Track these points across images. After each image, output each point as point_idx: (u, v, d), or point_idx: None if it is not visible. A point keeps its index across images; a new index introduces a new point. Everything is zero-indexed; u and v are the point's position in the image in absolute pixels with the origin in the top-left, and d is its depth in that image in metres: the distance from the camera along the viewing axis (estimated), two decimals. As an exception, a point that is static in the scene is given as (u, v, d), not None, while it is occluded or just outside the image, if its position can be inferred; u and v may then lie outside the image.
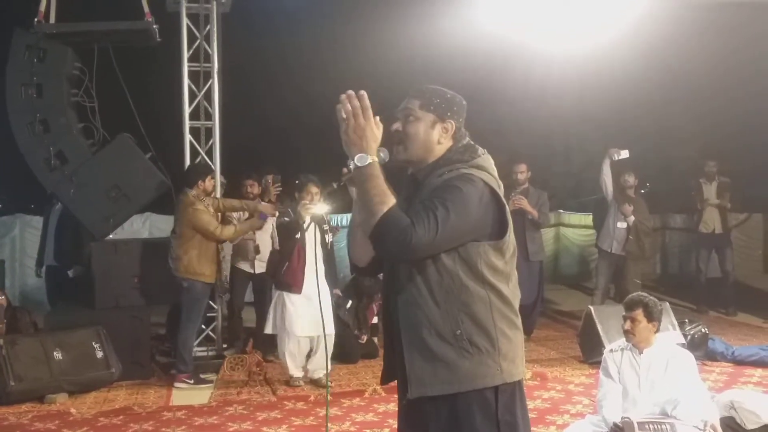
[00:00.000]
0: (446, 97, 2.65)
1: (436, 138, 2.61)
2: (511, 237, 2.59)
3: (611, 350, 4.74)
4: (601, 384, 4.67)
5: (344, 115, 2.45)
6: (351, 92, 2.45)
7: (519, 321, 2.65)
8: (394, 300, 2.59)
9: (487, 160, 2.63)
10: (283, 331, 6.60)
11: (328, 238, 6.81)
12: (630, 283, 8.70)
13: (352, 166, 2.44)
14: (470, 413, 2.50)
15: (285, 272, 6.58)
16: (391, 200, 2.42)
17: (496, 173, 2.64)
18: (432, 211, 2.39)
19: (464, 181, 2.49)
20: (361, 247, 2.67)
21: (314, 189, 6.55)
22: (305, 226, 6.52)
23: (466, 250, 2.50)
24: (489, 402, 2.51)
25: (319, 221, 6.63)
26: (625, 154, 8.60)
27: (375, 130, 2.46)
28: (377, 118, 2.47)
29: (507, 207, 2.59)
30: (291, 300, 6.55)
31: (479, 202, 2.48)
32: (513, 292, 2.62)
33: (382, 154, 2.52)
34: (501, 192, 2.61)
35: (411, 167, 2.69)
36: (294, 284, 6.53)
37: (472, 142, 2.68)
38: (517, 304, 2.64)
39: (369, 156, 2.43)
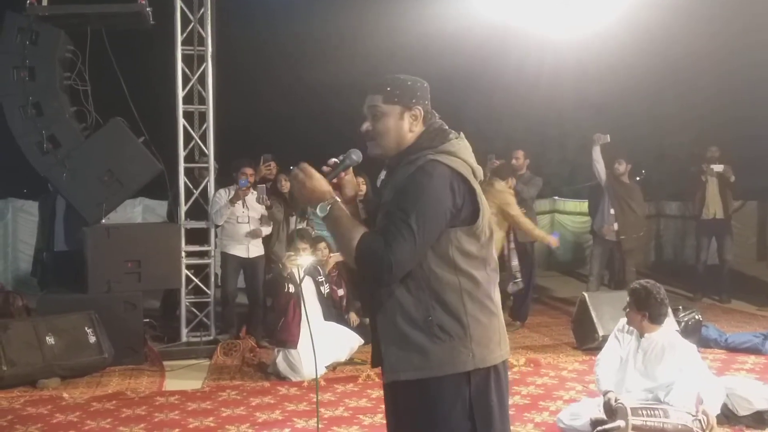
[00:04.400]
0: (407, 85, 2.64)
1: (407, 127, 2.63)
2: (485, 221, 2.58)
3: (622, 328, 4.86)
4: (608, 343, 4.90)
5: (294, 182, 2.60)
6: (294, 169, 2.60)
7: (496, 305, 2.64)
8: (371, 287, 2.61)
9: (458, 144, 2.62)
10: (289, 373, 6.53)
11: (324, 289, 6.88)
12: (627, 272, 8.79)
13: (320, 215, 2.56)
14: (441, 397, 2.52)
15: (281, 328, 6.53)
16: (360, 231, 2.49)
17: (470, 157, 2.63)
18: (403, 224, 2.42)
19: (427, 174, 2.48)
20: None
21: (302, 245, 6.78)
22: (299, 280, 6.56)
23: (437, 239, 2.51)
24: (461, 387, 2.53)
25: (312, 273, 6.75)
26: (606, 138, 8.83)
27: (320, 180, 2.57)
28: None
29: (478, 191, 2.57)
30: (291, 353, 6.49)
31: (449, 190, 2.48)
32: (490, 276, 2.62)
33: (354, 156, 2.64)
34: (477, 176, 2.61)
35: (385, 159, 2.71)
36: (289, 339, 6.45)
37: (445, 126, 2.67)
38: (494, 289, 2.64)
39: (326, 202, 2.54)
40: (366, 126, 2.64)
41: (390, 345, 2.56)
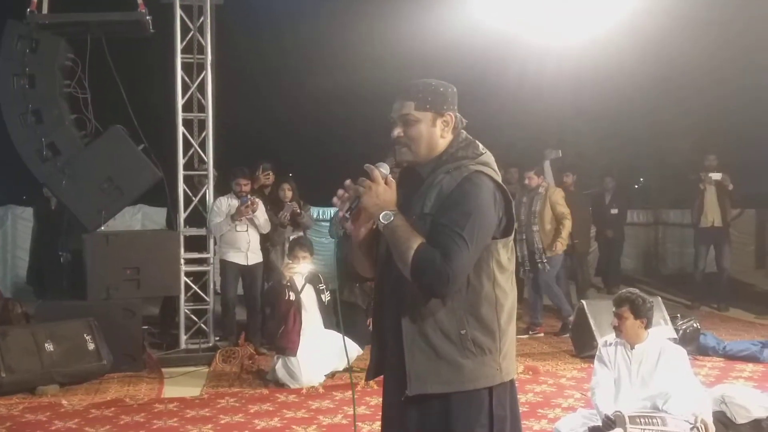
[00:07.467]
0: (439, 91, 2.62)
1: (439, 134, 2.61)
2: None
3: (605, 343, 4.78)
4: (595, 372, 4.75)
5: (361, 190, 2.51)
6: (369, 166, 2.54)
7: (515, 311, 2.66)
8: (395, 295, 2.57)
9: (489, 156, 2.64)
10: (288, 380, 6.54)
11: (324, 297, 6.87)
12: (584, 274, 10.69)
13: (380, 226, 2.51)
14: (465, 411, 2.51)
15: (281, 335, 6.56)
16: (417, 241, 2.44)
17: (496, 168, 2.64)
18: (457, 236, 2.41)
19: (476, 185, 2.48)
20: (365, 262, 2.76)
21: (302, 254, 6.74)
22: (300, 288, 6.56)
23: None
24: (484, 400, 2.53)
25: (314, 281, 6.74)
26: (558, 153, 9.64)
27: (386, 188, 2.52)
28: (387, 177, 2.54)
29: (513, 204, 2.60)
30: (290, 360, 6.51)
31: (494, 202, 2.50)
32: (513, 285, 2.65)
33: (382, 170, 2.58)
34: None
35: (415, 165, 2.68)
36: (288, 347, 6.49)
37: (471, 137, 2.67)
38: (516, 295, 2.66)
39: (390, 211, 2.49)
40: (398, 132, 2.61)
41: (417, 355, 2.51)
